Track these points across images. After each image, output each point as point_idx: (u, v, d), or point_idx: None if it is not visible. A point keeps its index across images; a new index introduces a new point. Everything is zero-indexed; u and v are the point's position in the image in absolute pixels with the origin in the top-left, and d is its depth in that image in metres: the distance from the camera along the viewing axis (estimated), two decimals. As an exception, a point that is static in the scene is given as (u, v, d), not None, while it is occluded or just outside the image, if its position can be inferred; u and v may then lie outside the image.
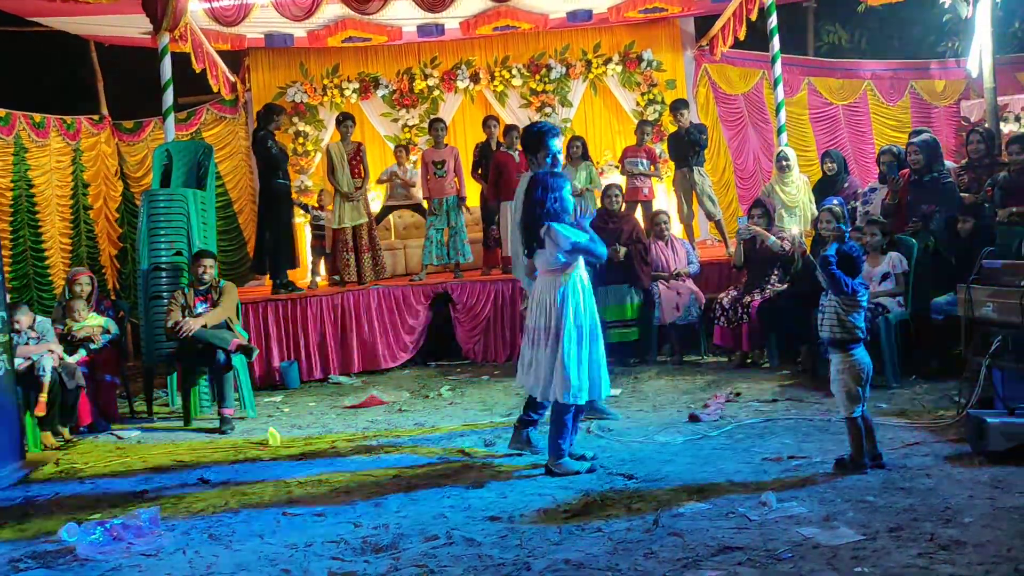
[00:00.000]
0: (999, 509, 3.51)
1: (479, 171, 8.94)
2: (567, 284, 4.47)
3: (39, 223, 10.32)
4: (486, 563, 3.37)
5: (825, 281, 4.23)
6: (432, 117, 9.87)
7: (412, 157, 10.47)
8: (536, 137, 4.84)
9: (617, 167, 9.36)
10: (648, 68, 11.01)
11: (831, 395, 5.68)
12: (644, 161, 9.00)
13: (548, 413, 4.63)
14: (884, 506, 3.67)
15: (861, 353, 4.22)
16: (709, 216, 9.16)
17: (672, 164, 9.34)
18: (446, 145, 8.87)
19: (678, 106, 8.94)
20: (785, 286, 7.06)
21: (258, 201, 8.70)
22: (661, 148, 10.57)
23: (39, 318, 6.39)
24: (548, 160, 4.78)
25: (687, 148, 8.81)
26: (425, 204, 9.04)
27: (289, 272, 8.45)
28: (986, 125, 8.40)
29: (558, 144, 4.82)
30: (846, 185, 7.94)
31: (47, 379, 5.93)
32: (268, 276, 8.55)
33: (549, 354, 4.46)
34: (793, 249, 7.04)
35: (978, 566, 3.00)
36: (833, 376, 4.27)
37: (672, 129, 9.34)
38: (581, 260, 4.52)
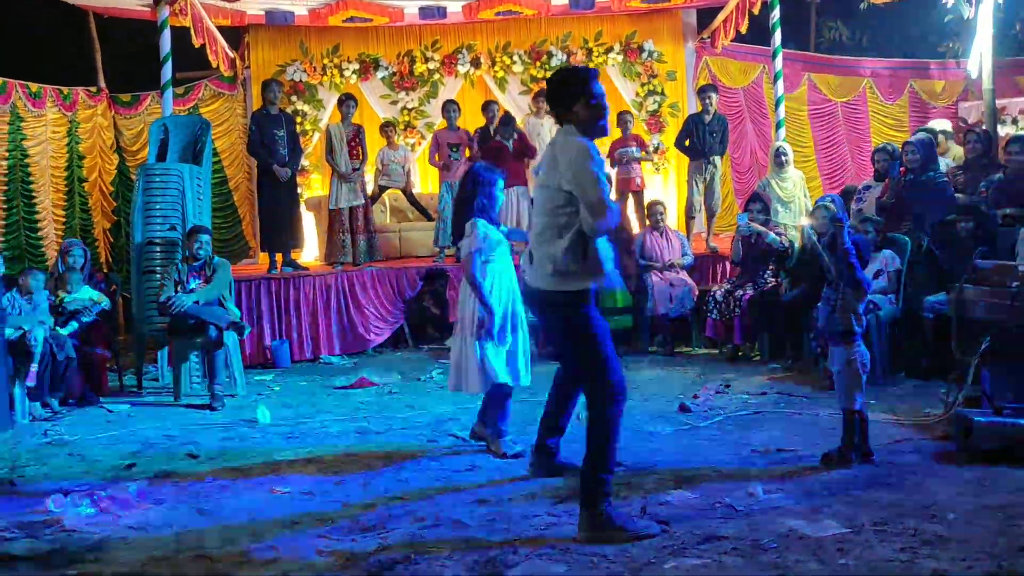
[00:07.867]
0: (983, 507, 3.55)
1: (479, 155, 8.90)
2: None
3: (33, 194, 10.24)
4: (473, 545, 3.39)
5: (840, 271, 4.25)
6: (446, 100, 9.69)
7: (406, 140, 10.45)
8: None
9: (608, 159, 9.25)
10: (649, 59, 10.95)
11: (819, 389, 5.79)
12: (635, 148, 8.93)
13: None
14: (869, 500, 3.70)
15: (863, 345, 4.28)
16: (709, 209, 9.04)
17: (670, 154, 9.22)
18: (458, 128, 8.85)
19: (707, 90, 8.66)
20: (778, 281, 7.06)
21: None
22: (660, 139, 10.55)
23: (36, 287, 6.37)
24: None
25: (707, 136, 8.48)
26: (436, 186, 9.06)
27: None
28: (984, 127, 8.41)
29: None
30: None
31: (38, 350, 5.91)
32: (268, 255, 8.50)
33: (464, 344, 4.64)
34: (791, 245, 7.03)
35: (961, 562, 3.03)
36: (840, 367, 4.29)
37: (683, 116, 9.11)
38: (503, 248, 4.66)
